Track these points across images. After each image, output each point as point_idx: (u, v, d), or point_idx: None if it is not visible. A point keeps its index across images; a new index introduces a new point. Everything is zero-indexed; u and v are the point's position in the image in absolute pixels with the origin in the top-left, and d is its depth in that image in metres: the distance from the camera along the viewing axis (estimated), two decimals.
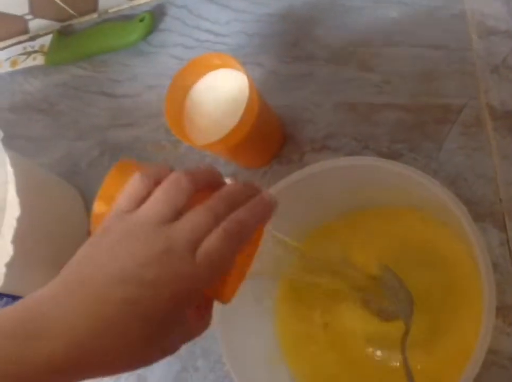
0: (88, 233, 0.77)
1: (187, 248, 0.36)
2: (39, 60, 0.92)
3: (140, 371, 0.68)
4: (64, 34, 0.93)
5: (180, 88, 0.65)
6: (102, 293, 0.34)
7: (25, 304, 0.35)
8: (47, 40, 0.93)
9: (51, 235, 0.71)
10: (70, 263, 0.38)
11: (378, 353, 0.58)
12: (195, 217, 0.37)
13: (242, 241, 0.37)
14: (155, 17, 0.86)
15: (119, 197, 0.39)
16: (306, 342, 0.62)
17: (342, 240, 0.62)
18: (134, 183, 0.39)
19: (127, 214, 0.38)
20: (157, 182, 0.38)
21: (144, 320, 0.34)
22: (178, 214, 0.37)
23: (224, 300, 0.39)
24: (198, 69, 0.65)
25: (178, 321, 0.37)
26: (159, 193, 0.38)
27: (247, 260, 0.39)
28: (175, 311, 0.35)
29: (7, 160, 0.63)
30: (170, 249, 0.35)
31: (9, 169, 0.63)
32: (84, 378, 0.34)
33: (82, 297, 0.34)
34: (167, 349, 0.38)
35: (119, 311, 0.34)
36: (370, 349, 0.59)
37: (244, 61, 0.63)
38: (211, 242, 0.36)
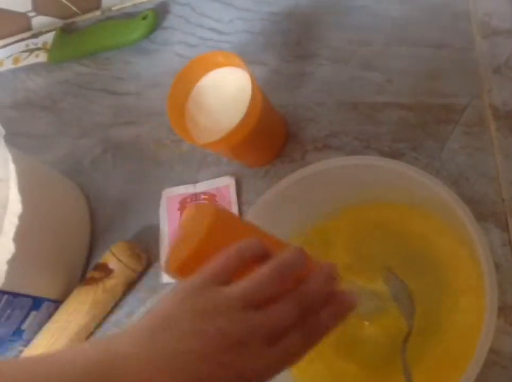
0: (91, 231, 0.78)
1: (266, 339, 0.36)
2: (42, 57, 0.92)
3: None
4: (66, 32, 0.93)
5: (183, 86, 0.65)
6: (178, 368, 0.35)
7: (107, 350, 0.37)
8: (49, 37, 0.93)
9: (53, 232, 0.71)
10: (155, 315, 0.38)
11: (378, 352, 0.58)
12: (282, 307, 0.37)
13: (321, 341, 0.38)
14: (158, 15, 0.86)
15: (211, 264, 0.39)
16: None
17: (343, 238, 0.62)
18: (230, 255, 0.39)
19: (217, 285, 0.38)
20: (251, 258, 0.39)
21: None
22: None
23: None
24: (201, 67, 0.65)
25: None
26: (262, 277, 0.37)
27: None
28: None
29: (9, 157, 0.63)
30: (250, 336, 0.36)
31: (11, 166, 0.63)
32: None
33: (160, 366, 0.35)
34: None
35: None
36: (370, 348, 0.58)
37: (246, 60, 0.63)
38: (293, 340, 0.37)
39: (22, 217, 0.63)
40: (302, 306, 0.37)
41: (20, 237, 0.62)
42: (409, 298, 0.55)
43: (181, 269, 0.41)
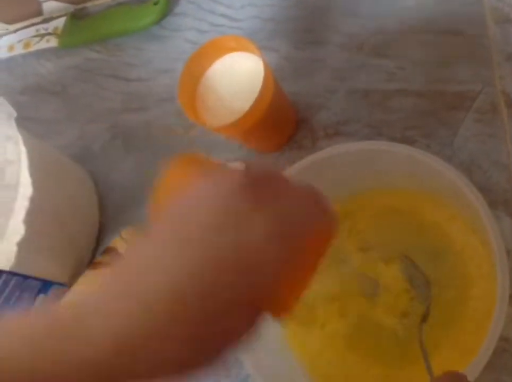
0: (100, 217, 0.78)
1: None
2: (52, 42, 0.92)
3: None
4: (77, 17, 0.93)
5: (195, 70, 0.65)
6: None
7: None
8: (60, 22, 0.93)
9: (62, 216, 0.72)
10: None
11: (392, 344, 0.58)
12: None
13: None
14: (169, 1, 0.86)
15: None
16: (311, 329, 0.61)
17: (354, 223, 0.62)
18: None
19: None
20: None
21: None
22: None
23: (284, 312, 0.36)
24: (213, 51, 0.65)
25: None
26: None
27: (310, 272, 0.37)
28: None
29: (20, 139, 0.63)
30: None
31: (22, 149, 0.63)
32: None
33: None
34: (211, 352, 0.33)
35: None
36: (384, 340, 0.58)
37: (258, 46, 0.63)
38: None
39: (32, 200, 0.63)
40: None
41: (30, 220, 0.62)
42: (425, 284, 0.55)
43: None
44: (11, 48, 0.96)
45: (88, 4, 0.94)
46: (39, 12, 0.97)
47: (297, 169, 0.57)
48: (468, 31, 0.67)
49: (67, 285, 0.71)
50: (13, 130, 0.63)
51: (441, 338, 0.54)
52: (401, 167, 0.55)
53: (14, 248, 0.62)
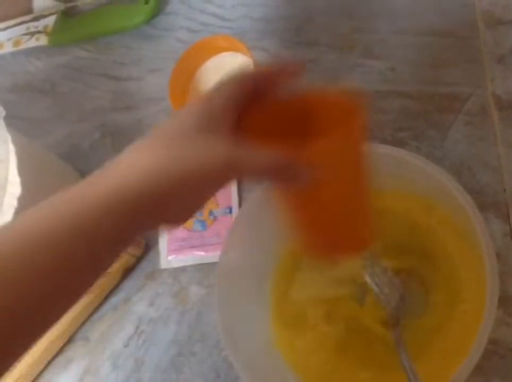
0: None
1: None
2: (42, 40, 0.91)
3: (138, 355, 0.68)
4: (68, 15, 0.93)
5: (185, 69, 0.65)
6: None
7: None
8: (51, 20, 0.92)
9: None
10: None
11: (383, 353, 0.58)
12: None
13: None
14: (160, 0, 0.85)
15: None
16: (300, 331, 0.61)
17: None
18: None
19: None
20: None
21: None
22: None
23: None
24: (204, 51, 0.65)
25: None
26: None
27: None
28: None
29: (9, 138, 0.63)
30: None
31: (11, 147, 0.62)
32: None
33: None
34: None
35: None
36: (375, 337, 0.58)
37: (248, 45, 0.63)
38: None
39: (21, 199, 0.62)
40: None
41: None
42: (391, 286, 0.55)
43: None
44: (1, 46, 0.95)
45: (78, 2, 0.94)
46: (29, 10, 0.96)
47: None
48: (460, 33, 0.67)
49: None
50: (1, 129, 0.63)
51: (431, 340, 0.54)
52: (393, 169, 0.55)
53: None
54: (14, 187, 0.62)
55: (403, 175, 0.54)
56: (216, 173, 0.36)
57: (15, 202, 0.61)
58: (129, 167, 0.36)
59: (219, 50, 0.64)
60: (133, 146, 0.38)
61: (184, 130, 0.36)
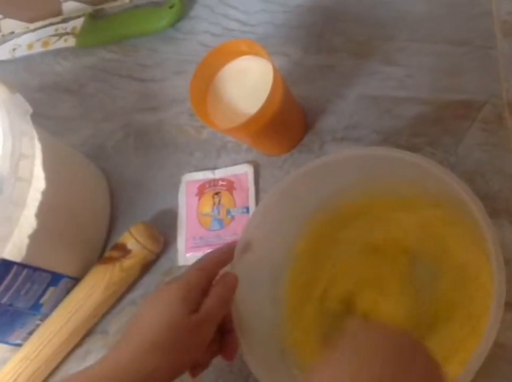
0: (111, 213, 0.79)
1: None
2: (70, 42, 0.94)
3: None
4: (95, 18, 0.95)
5: (207, 72, 0.67)
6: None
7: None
8: (78, 22, 0.95)
9: (74, 211, 0.73)
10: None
11: None
12: None
13: None
14: (185, 4, 0.87)
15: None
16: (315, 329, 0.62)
17: (356, 229, 0.63)
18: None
19: None
20: None
21: None
22: None
23: None
24: (225, 54, 0.66)
25: None
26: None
27: None
28: None
29: (35, 135, 0.65)
30: None
31: (37, 144, 0.64)
32: None
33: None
34: None
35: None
36: None
37: (269, 51, 0.64)
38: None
39: (45, 194, 0.64)
40: None
41: (42, 213, 0.64)
42: None
43: None
44: (30, 46, 0.98)
45: (106, 5, 0.96)
46: (59, 12, 0.99)
47: (303, 172, 0.58)
48: (477, 42, 0.68)
49: (77, 278, 0.73)
50: (28, 126, 0.65)
51: (435, 340, 0.55)
52: (404, 173, 0.55)
53: (26, 240, 0.63)
54: (39, 182, 0.64)
55: (415, 180, 0.55)
56: None
57: (39, 196, 0.64)
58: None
59: (240, 53, 0.66)
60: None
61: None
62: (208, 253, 0.58)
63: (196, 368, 0.56)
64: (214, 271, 0.56)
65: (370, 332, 0.43)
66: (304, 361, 0.60)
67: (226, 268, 0.58)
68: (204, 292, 0.53)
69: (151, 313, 0.52)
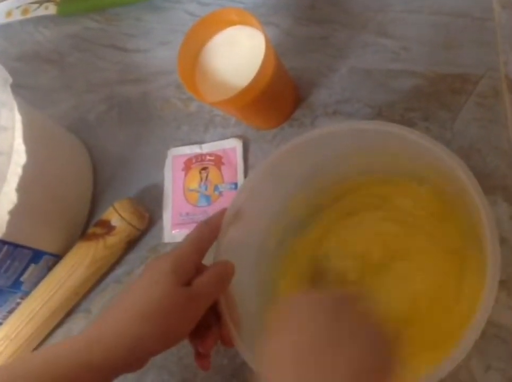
0: (94, 188, 0.77)
1: None
2: (51, 9, 0.90)
3: None
4: None
5: (195, 43, 0.64)
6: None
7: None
8: None
9: (55, 186, 0.71)
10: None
11: None
12: None
13: None
14: None
15: None
16: None
17: (344, 207, 0.61)
18: None
19: None
20: None
21: None
22: None
23: None
24: (214, 24, 0.64)
25: None
26: None
27: None
28: None
29: (15, 106, 0.62)
30: None
31: (17, 116, 0.62)
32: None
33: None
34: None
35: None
36: None
37: (259, 20, 0.62)
38: None
39: (26, 168, 0.62)
40: None
41: (23, 188, 0.61)
42: None
43: None
44: (9, 13, 0.94)
45: None
46: None
47: (290, 146, 0.56)
48: (475, 14, 0.66)
49: (59, 255, 0.71)
50: (8, 96, 0.62)
51: (427, 318, 0.54)
52: (395, 147, 0.54)
53: (6, 216, 0.61)
54: (19, 155, 0.61)
55: (405, 155, 0.54)
56: None
57: (19, 171, 0.61)
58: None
59: (229, 23, 0.63)
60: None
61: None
62: (198, 228, 0.55)
63: (203, 360, 0.54)
64: (205, 247, 0.54)
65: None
66: None
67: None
68: (197, 267, 0.52)
69: (139, 285, 0.50)
